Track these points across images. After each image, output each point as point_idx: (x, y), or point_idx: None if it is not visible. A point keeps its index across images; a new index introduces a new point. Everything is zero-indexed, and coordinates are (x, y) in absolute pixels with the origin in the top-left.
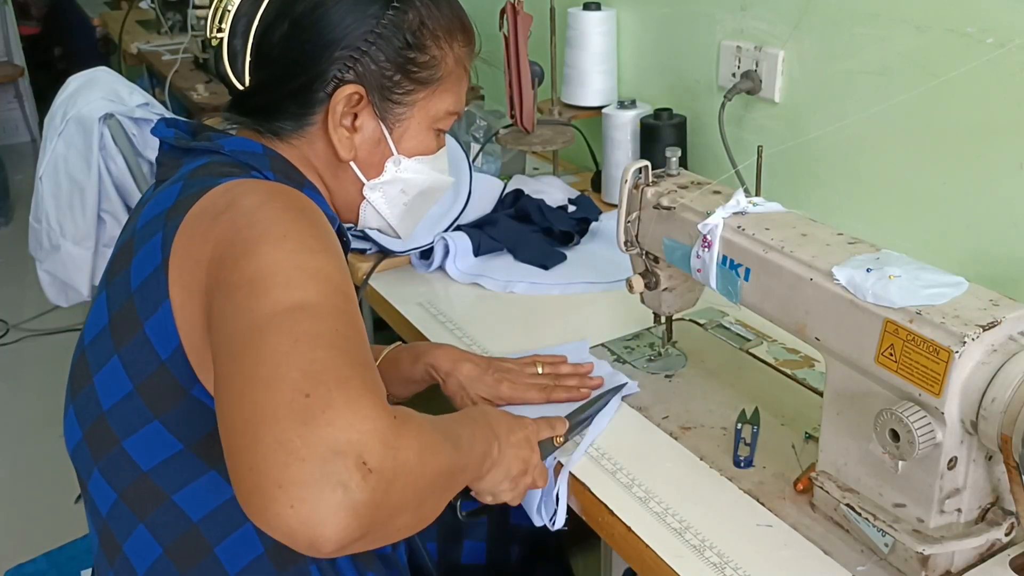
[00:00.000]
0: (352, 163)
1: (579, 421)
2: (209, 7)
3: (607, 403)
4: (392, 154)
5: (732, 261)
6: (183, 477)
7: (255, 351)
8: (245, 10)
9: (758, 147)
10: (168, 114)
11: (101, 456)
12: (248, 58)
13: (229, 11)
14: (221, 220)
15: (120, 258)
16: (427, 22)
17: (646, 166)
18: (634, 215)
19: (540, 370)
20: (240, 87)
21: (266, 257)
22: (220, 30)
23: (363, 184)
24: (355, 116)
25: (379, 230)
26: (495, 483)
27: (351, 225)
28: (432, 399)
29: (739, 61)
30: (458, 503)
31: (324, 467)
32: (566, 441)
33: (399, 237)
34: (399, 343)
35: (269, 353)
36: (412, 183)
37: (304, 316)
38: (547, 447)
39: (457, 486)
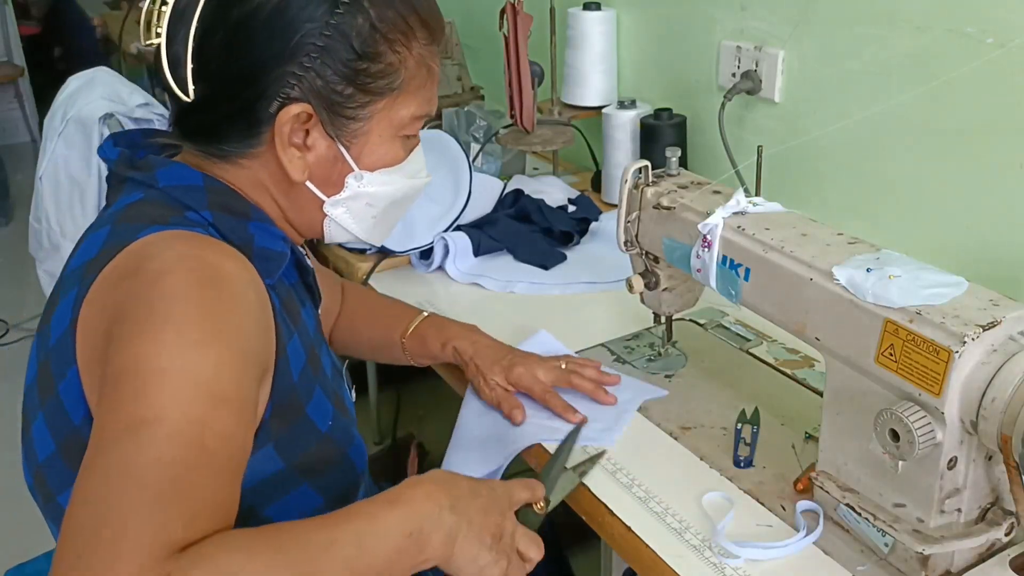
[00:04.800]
0: (308, 183)
1: (554, 476)
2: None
3: (573, 442)
4: (352, 170)
5: (732, 261)
6: None
7: (87, 478)
8: (181, 11)
9: (758, 147)
10: (168, 114)
11: (46, 503)
12: (190, 66)
13: (164, 11)
14: (122, 286)
15: (51, 301)
16: (379, 25)
17: (646, 166)
18: (634, 215)
19: (563, 366)
20: (185, 98)
21: (136, 350)
22: (157, 34)
23: (323, 202)
24: (307, 133)
25: (347, 243)
26: (469, 560)
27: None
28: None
29: (739, 61)
30: None
31: None
32: (549, 506)
33: (374, 245)
34: (426, 313)
35: (95, 484)
36: (379, 196)
37: (138, 440)
38: (528, 517)
39: None
